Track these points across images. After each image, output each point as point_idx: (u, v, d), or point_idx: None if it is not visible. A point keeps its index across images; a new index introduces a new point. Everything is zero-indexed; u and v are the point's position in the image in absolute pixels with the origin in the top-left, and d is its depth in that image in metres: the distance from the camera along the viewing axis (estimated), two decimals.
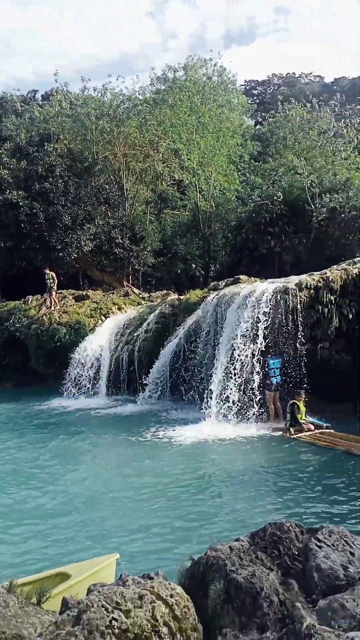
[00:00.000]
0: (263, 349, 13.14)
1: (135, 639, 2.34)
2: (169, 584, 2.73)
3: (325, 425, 11.88)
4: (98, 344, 19.70)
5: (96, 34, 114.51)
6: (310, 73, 59.09)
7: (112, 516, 7.20)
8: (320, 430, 11.66)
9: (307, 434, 11.55)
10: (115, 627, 2.34)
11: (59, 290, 23.00)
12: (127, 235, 26.28)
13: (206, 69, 33.74)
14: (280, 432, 11.98)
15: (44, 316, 21.21)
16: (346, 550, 3.48)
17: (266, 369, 13.14)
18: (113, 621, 2.35)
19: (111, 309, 21.94)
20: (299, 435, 11.54)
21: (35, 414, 15.80)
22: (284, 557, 3.44)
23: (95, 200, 26.55)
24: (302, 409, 12.03)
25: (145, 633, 2.36)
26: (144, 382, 16.81)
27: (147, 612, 2.45)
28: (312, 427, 11.78)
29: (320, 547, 3.47)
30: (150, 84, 33.88)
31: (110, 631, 2.30)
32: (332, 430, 11.66)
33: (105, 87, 30.80)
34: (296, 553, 3.46)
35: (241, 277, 17.49)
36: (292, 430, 11.79)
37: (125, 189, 28.09)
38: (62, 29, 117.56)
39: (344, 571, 3.28)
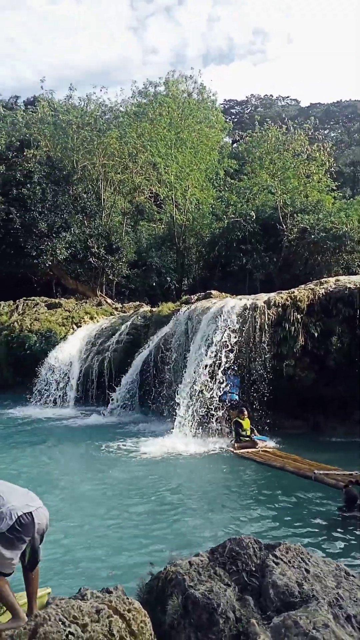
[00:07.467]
0: (229, 364, 13.28)
1: None
2: (127, 598, 2.77)
3: (267, 443, 11.97)
4: (69, 353, 19.56)
5: (77, 44, 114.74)
6: (288, 96, 60.64)
7: (70, 529, 7.05)
8: (262, 448, 11.78)
9: (250, 450, 11.66)
10: None
11: (31, 298, 22.77)
12: (103, 245, 26.26)
13: (186, 85, 34.30)
14: (229, 449, 12.07)
15: (15, 323, 20.97)
16: (302, 567, 3.47)
17: (227, 385, 13.25)
18: (70, 635, 2.37)
19: (83, 318, 21.83)
20: (242, 451, 11.65)
21: None
22: (241, 573, 3.41)
23: (72, 208, 26.49)
24: (246, 425, 12.17)
25: None
26: (113, 393, 16.74)
27: (104, 626, 2.48)
28: (259, 444, 11.88)
29: (277, 563, 3.45)
30: (132, 97, 34.27)
31: None
32: (274, 448, 11.83)
33: (88, 97, 31.03)
34: (254, 569, 3.43)
35: (213, 292, 17.72)
36: (236, 446, 11.90)
37: (103, 199, 28.13)
38: (40, 35, 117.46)
39: (298, 588, 3.25)
